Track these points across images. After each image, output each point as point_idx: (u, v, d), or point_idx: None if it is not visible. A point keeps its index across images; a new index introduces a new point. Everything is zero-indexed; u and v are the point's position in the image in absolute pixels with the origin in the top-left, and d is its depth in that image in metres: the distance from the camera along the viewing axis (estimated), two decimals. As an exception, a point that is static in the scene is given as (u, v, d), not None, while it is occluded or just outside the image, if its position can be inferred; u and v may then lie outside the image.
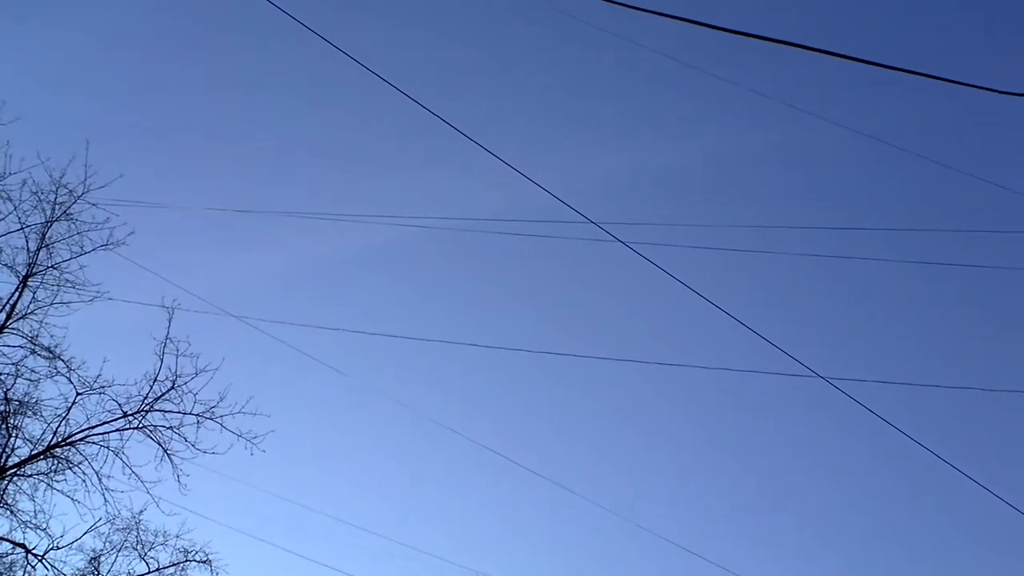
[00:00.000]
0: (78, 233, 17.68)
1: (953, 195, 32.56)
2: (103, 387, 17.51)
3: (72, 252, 17.74)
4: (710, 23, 8.87)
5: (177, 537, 18.05)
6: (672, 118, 35.75)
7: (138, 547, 17.98)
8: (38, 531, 17.28)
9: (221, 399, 17.61)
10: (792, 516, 33.44)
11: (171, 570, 18.00)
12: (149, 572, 17.94)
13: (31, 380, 17.57)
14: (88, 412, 17.53)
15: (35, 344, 17.43)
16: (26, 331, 17.44)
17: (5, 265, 17.47)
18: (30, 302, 17.52)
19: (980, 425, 32.17)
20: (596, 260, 32.58)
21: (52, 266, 17.64)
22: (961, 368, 33.23)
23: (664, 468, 34.72)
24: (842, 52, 9.03)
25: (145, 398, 17.59)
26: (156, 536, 18.01)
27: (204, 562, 18.06)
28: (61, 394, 17.58)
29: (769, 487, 34.31)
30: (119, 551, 18.00)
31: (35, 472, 17.38)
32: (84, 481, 17.36)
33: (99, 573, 17.77)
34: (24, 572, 17.23)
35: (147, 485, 17.53)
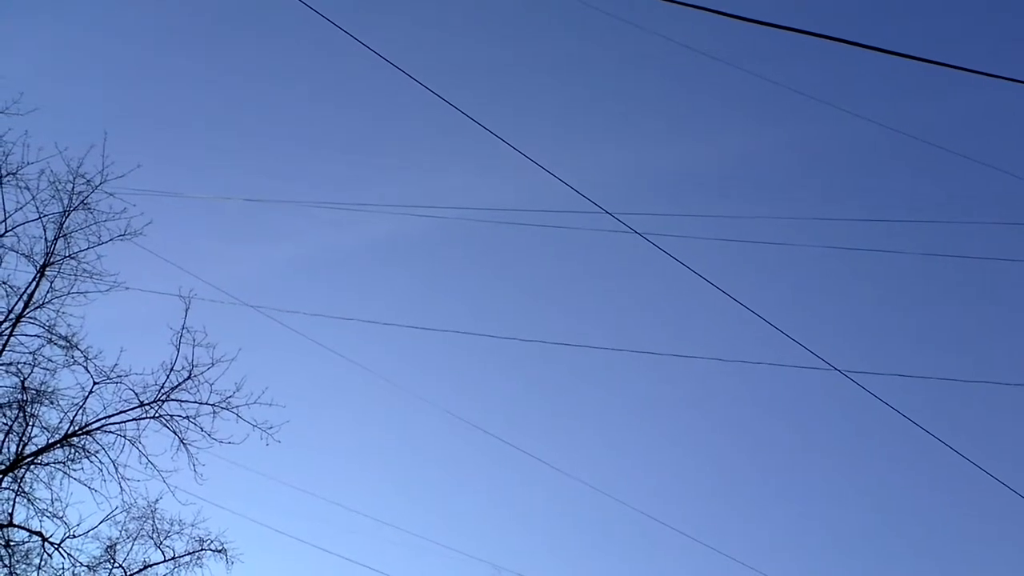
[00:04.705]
0: (95, 223, 17.75)
1: (971, 187, 32.43)
2: (120, 376, 17.59)
3: (89, 242, 17.82)
4: (733, 13, 8.84)
5: (193, 526, 18.10)
6: (691, 112, 35.68)
7: (154, 536, 18.03)
8: (55, 519, 17.36)
9: (237, 389, 17.68)
10: (807, 509, 33.40)
11: (187, 559, 18.06)
12: (165, 561, 18.01)
13: (48, 369, 17.65)
14: (105, 401, 17.60)
15: (52, 333, 17.50)
16: (43, 320, 17.52)
17: (23, 254, 17.55)
18: (47, 291, 17.59)
19: (997, 419, 32.06)
20: (611, 252, 32.56)
21: (69, 256, 17.71)
22: (978, 362, 33.14)
23: (679, 461, 34.73)
24: (860, 43, 8.99)
25: (161, 388, 17.64)
26: (172, 525, 18.05)
27: (219, 551, 18.11)
28: (78, 383, 17.66)
29: (784, 480, 34.28)
30: (135, 540, 18.05)
31: (52, 461, 17.44)
32: (101, 470, 17.43)
33: (115, 561, 17.84)
34: (41, 560, 17.32)
35: (163, 474, 17.58)
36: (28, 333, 17.47)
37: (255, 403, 17.67)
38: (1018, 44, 32.29)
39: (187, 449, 17.63)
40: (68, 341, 17.56)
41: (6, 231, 17.47)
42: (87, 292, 17.74)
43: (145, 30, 32.21)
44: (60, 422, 17.49)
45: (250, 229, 30.42)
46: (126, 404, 17.57)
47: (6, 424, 17.30)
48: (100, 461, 17.41)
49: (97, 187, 17.67)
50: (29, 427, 17.33)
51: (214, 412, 17.65)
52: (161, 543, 18.03)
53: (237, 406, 17.64)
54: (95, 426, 17.48)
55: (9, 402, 17.44)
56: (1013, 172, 24.03)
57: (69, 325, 17.64)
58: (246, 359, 18.06)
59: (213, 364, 17.66)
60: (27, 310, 17.39)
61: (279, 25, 32.08)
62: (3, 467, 17.02)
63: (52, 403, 17.60)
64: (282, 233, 30.52)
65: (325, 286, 33.06)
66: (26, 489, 17.31)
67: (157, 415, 17.63)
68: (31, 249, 17.55)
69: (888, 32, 31.46)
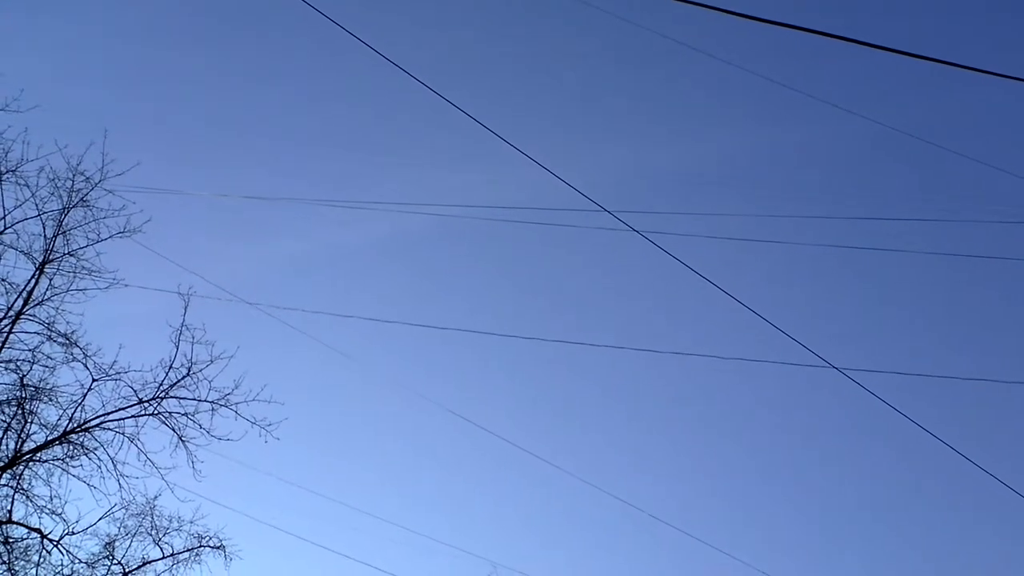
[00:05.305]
0: (95, 220, 17.77)
1: (971, 186, 32.41)
2: (119, 374, 17.60)
3: (89, 239, 17.83)
4: (733, 11, 8.84)
5: (191, 523, 18.14)
6: (691, 111, 35.70)
7: (153, 532, 18.06)
8: (54, 516, 17.38)
9: (236, 386, 17.68)
10: (806, 507, 33.43)
11: (185, 556, 18.09)
12: (163, 557, 18.03)
13: (47, 366, 17.65)
14: (104, 398, 17.62)
15: (51, 330, 17.51)
16: (43, 317, 17.53)
17: (22, 252, 17.56)
18: (47, 289, 17.60)
19: (995, 416, 32.09)
20: (610, 250, 32.57)
21: (69, 253, 17.72)
22: (976, 359, 33.17)
23: (678, 458, 34.77)
24: (860, 41, 8.99)
25: (160, 385, 17.66)
26: (170, 522, 18.09)
27: (218, 548, 18.14)
28: (77, 380, 17.66)
29: (783, 478, 34.31)
30: (134, 536, 18.09)
31: (51, 457, 17.46)
32: (99, 467, 17.44)
33: (114, 558, 17.86)
34: (39, 557, 17.34)
35: (162, 471, 17.60)
36: (27, 330, 17.51)
37: (254, 400, 17.71)
38: (1018, 44, 32.30)
39: (186, 446, 17.66)
40: (67, 338, 17.59)
41: (5, 228, 17.51)
42: (86, 289, 17.79)
43: (145, 28, 32.23)
44: (59, 419, 17.53)
45: (250, 226, 30.44)
46: (125, 401, 17.63)
47: (5, 421, 17.32)
48: (99, 458, 17.45)
49: (96, 184, 17.71)
50: (28, 424, 17.36)
51: (213, 409, 17.69)
52: (160, 540, 18.07)
53: (236, 403, 17.68)
54: (94, 423, 17.50)
55: (8, 399, 17.47)
56: (1013, 171, 24.04)
57: (68, 322, 17.69)
58: (245, 356, 18.12)
59: (212, 361, 17.72)
60: (26, 307, 17.41)
61: (279, 24, 32.10)
62: (2, 464, 17.03)
63: (51, 400, 17.64)
64: (282, 230, 30.54)
65: (325, 283, 33.11)
66: (25, 486, 17.35)
67: (156, 412, 17.66)
68: (30, 246, 17.60)
69: (888, 31, 31.46)
